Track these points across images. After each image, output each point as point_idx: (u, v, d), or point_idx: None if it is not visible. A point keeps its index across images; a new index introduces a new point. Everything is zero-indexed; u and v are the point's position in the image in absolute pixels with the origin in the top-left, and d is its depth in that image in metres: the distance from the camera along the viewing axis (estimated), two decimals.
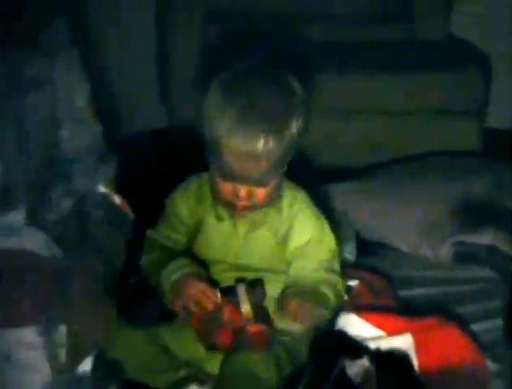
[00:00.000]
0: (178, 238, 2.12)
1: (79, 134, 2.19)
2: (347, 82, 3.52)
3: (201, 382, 1.95)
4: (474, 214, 2.63)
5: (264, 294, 1.99)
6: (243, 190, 1.94)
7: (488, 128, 3.63)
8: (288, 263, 2.08)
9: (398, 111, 3.56)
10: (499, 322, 2.22)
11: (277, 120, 1.89)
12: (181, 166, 2.09)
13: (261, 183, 1.94)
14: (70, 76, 2.19)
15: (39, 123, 2.12)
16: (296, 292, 1.99)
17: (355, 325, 2.06)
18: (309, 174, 2.16)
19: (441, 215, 2.64)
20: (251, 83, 1.95)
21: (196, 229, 2.11)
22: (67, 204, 2.16)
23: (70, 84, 2.20)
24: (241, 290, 1.96)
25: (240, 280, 2.01)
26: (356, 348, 2.00)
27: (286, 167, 2.00)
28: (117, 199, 2.28)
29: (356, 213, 2.72)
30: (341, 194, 2.78)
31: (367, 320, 2.07)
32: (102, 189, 2.23)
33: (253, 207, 2.01)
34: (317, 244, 2.07)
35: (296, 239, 2.06)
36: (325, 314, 2.02)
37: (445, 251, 2.54)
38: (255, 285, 1.99)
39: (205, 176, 2.08)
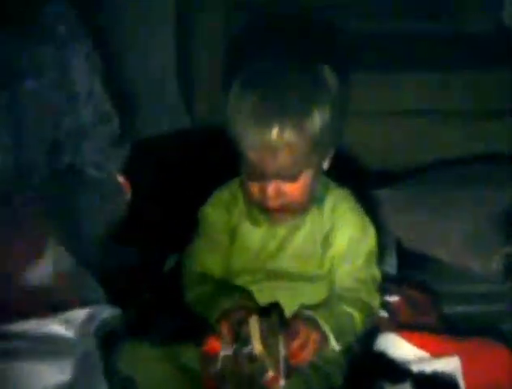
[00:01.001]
0: (214, 255, 2.08)
1: (86, 111, 2.30)
2: (387, 81, 3.46)
3: None
4: None
5: (280, 325, 1.89)
6: (270, 188, 1.91)
7: None
8: (328, 269, 2.04)
9: (442, 111, 3.49)
10: None
11: (294, 111, 1.86)
12: (207, 167, 2.07)
13: (285, 177, 1.90)
14: (79, 65, 2.26)
15: (39, 109, 2.19)
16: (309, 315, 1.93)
17: (395, 345, 2.03)
18: (348, 178, 2.11)
19: (487, 226, 2.58)
20: (270, 76, 1.94)
21: (231, 239, 2.08)
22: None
23: (81, 71, 2.26)
24: (253, 324, 1.86)
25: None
26: (397, 370, 1.97)
27: (321, 166, 1.98)
28: (120, 178, 2.39)
29: (397, 222, 2.67)
30: (381, 202, 2.72)
31: (409, 340, 2.03)
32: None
33: (286, 209, 1.96)
34: (356, 246, 2.03)
35: (337, 243, 2.02)
36: (348, 339, 1.97)
37: (493, 264, 2.48)
38: (270, 316, 1.89)
39: (235, 183, 2.07)
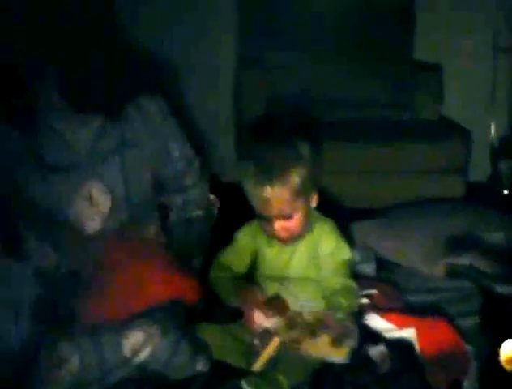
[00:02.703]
0: (238, 263, 2.13)
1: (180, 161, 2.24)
2: (367, 150, 3.52)
3: None
4: (459, 242, 2.60)
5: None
6: (276, 225, 1.97)
7: (468, 182, 3.63)
8: (320, 269, 2.05)
9: (402, 171, 3.54)
10: (475, 319, 2.21)
11: (279, 175, 1.91)
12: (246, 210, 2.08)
13: (284, 216, 1.96)
14: (170, 132, 2.20)
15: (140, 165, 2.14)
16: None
17: (375, 321, 2.08)
18: (339, 215, 2.15)
19: (436, 243, 2.60)
20: (263, 151, 1.97)
21: (255, 255, 2.11)
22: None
23: (171, 136, 2.21)
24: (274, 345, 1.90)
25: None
26: (375, 337, 2.02)
27: (308, 205, 2.00)
28: (212, 197, 2.36)
29: (376, 241, 2.69)
30: (365, 229, 2.76)
31: (383, 317, 2.08)
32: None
33: (292, 236, 2.01)
34: (336, 256, 2.04)
35: (322, 251, 2.04)
36: (342, 316, 1.94)
37: (438, 269, 2.51)
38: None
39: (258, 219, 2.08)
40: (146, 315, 1.86)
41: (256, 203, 1.96)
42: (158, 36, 3.81)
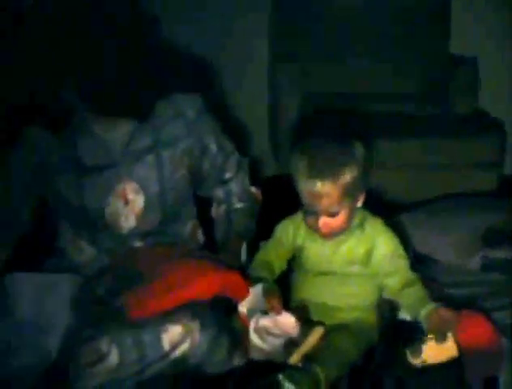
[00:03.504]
0: (278, 257, 2.14)
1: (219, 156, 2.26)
2: (401, 144, 3.55)
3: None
4: (494, 236, 2.61)
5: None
6: (320, 222, 1.97)
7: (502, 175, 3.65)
8: (376, 268, 2.05)
9: (436, 165, 3.58)
10: (511, 312, 2.22)
11: (331, 172, 1.91)
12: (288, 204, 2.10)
13: (329, 214, 1.95)
14: (207, 131, 2.21)
15: (175, 164, 2.16)
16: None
17: None
18: (376, 209, 2.14)
19: (471, 238, 2.62)
20: (318, 147, 1.98)
21: (297, 249, 2.11)
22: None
23: (209, 134, 2.22)
24: (315, 334, 1.91)
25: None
26: (413, 330, 2.00)
27: (355, 204, 2.00)
28: (253, 189, 2.36)
29: (413, 235, 2.67)
30: (402, 222, 2.76)
31: None
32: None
33: (334, 233, 2.01)
34: (396, 254, 2.05)
35: (380, 251, 2.04)
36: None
37: (475, 263, 2.53)
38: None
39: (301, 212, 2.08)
40: (185, 310, 1.86)
41: (305, 197, 1.95)
42: (192, 31, 3.85)
